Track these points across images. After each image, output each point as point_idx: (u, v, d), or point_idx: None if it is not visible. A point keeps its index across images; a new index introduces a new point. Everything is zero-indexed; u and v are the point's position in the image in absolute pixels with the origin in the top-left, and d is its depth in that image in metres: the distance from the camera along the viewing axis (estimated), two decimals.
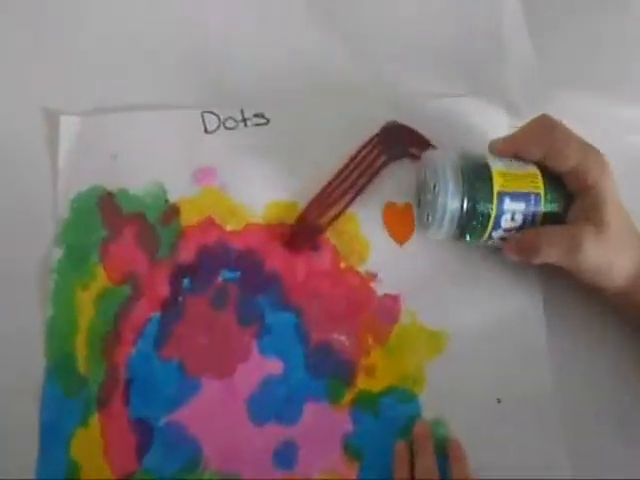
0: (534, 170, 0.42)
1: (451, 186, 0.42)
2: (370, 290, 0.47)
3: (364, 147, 0.50)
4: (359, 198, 0.49)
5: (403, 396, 0.46)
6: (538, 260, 0.42)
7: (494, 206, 0.41)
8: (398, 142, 0.50)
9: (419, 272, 0.48)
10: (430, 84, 0.52)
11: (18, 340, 0.46)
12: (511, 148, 0.43)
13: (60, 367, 0.45)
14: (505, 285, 0.48)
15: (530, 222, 0.42)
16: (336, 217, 0.48)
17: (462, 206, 0.42)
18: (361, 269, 0.48)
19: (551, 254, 0.41)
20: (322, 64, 0.53)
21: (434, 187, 0.43)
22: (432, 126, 0.51)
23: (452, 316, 0.47)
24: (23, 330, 0.46)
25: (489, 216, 0.42)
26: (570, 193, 0.42)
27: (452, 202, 0.42)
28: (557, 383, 0.46)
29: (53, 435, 0.44)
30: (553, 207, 0.42)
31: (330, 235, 0.48)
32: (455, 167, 0.42)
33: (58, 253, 0.48)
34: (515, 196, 0.41)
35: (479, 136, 0.48)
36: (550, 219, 0.42)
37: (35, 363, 0.45)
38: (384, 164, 0.50)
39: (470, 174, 0.42)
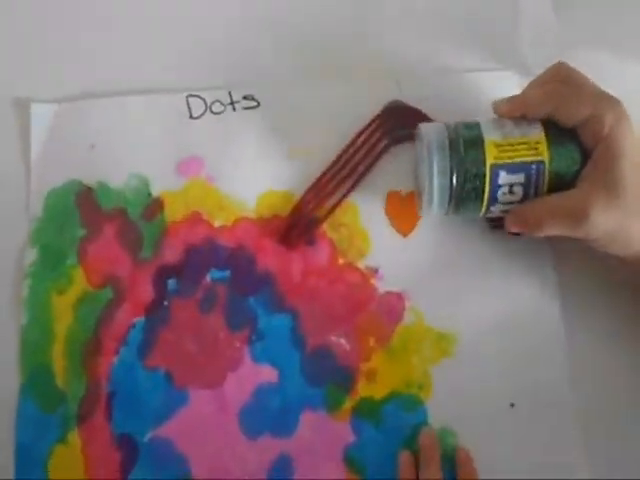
0: (538, 134, 0.39)
1: (437, 161, 0.39)
2: (371, 287, 0.45)
3: (364, 130, 0.47)
4: (359, 186, 0.46)
5: (408, 403, 0.43)
6: (542, 234, 0.39)
7: (487, 180, 0.39)
8: (401, 124, 0.47)
9: (424, 267, 0.45)
10: (439, 53, 0.49)
11: None
12: (518, 107, 0.40)
13: (36, 381, 0.43)
14: (518, 280, 0.45)
15: (533, 193, 0.39)
16: (334, 208, 0.46)
17: (451, 182, 0.39)
18: (361, 265, 0.45)
19: (555, 227, 0.39)
20: (316, 38, 0.49)
21: (424, 162, 0.41)
22: (438, 105, 0.47)
23: (461, 315, 0.44)
24: None
25: (482, 191, 0.39)
26: (586, 150, 0.39)
27: (439, 178, 0.39)
28: (575, 385, 0.43)
29: (29, 454, 0.42)
30: (561, 172, 0.39)
31: (327, 228, 0.46)
32: (443, 141, 0.40)
33: (32, 255, 0.45)
34: (512, 168, 0.39)
35: (490, 114, 0.44)
36: (559, 185, 0.39)
37: (8, 377, 0.43)
38: (386, 148, 0.47)
39: (460, 148, 0.39)
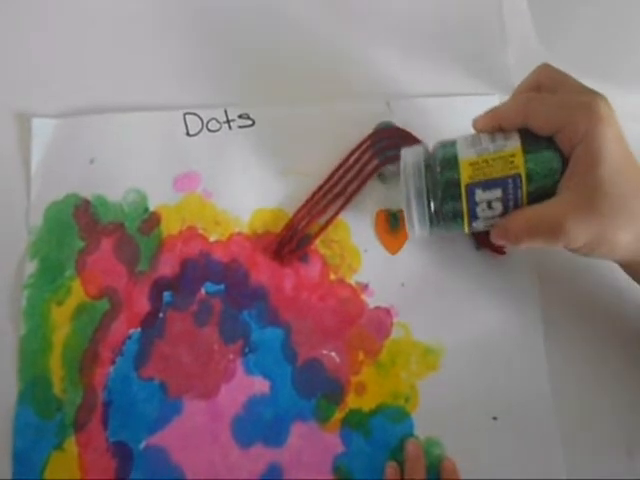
0: (514, 146, 0.38)
1: (413, 184, 0.40)
2: (361, 302, 0.46)
3: (355, 150, 0.48)
4: (350, 205, 0.47)
5: (395, 415, 0.44)
6: (524, 246, 0.39)
7: (464, 199, 0.39)
8: (391, 145, 0.48)
9: (412, 283, 0.46)
10: (428, 76, 0.51)
11: None
12: (493, 120, 0.40)
13: (34, 389, 0.43)
14: (502, 298, 0.46)
15: (513, 206, 0.39)
16: (326, 225, 0.47)
17: (429, 204, 0.40)
18: (352, 280, 0.46)
19: (533, 239, 0.38)
20: (309, 61, 0.51)
21: (403, 186, 0.41)
22: (427, 126, 0.49)
23: (447, 330, 0.45)
24: None
25: (461, 211, 0.39)
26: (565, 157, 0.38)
27: (417, 201, 0.40)
28: (555, 399, 0.44)
29: (27, 460, 0.42)
30: (540, 182, 0.38)
31: (319, 245, 0.46)
32: (419, 164, 0.40)
33: (31, 266, 0.45)
34: (488, 184, 0.38)
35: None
36: (540, 195, 0.38)
37: (7, 385, 0.43)
38: (376, 168, 0.48)
39: (436, 170, 0.40)
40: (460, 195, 0.39)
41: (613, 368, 0.45)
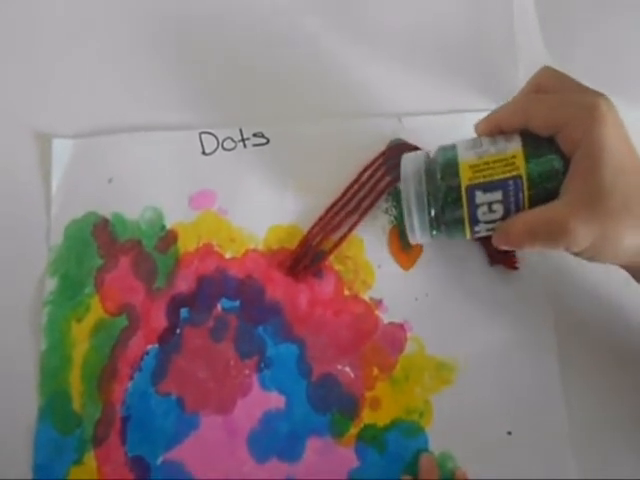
0: (515, 148, 0.38)
1: (414, 189, 0.40)
2: (375, 318, 0.46)
3: (368, 167, 0.49)
4: (363, 221, 0.47)
5: (410, 430, 0.44)
6: (526, 250, 0.39)
7: (464, 202, 0.39)
8: None
9: (426, 299, 0.46)
10: (439, 93, 0.51)
11: (10, 376, 0.45)
12: (493, 123, 0.40)
13: (54, 404, 0.44)
14: (516, 313, 0.46)
15: (514, 209, 0.38)
16: (340, 242, 0.47)
17: (429, 208, 0.40)
18: (366, 296, 0.46)
19: (535, 243, 0.37)
20: (323, 80, 0.51)
21: (404, 192, 0.41)
22: (439, 143, 0.48)
23: (460, 345, 0.45)
24: (15, 366, 0.45)
25: (462, 213, 0.39)
26: (567, 159, 0.38)
27: (417, 207, 0.40)
28: (570, 413, 0.44)
29: (47, 475, 0.42)
30: (542, 184, 0.38)
31: (333, 261, 0.47)
32: (419, 169, 0.41)
33: (51, 283, 0.46)
34: (488, 186, 0.38)
35: None
36: (543, 197, 0.38)
37: (28, 400, 0.44)
38: (389, 185, 0.48)
39: (436, 174, 0.40)
40: (460, 198, 0.39)
41: (628, 382, 0.45)
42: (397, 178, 0.48)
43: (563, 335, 0.45)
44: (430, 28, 0.53)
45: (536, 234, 0.37)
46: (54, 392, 0.44)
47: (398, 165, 0.48)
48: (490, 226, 0.40)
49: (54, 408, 0.44)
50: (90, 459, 0.43)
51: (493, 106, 0.50)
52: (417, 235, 0.41)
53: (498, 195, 0.38)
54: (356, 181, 0.48)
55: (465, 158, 0.39)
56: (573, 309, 0.46)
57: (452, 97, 0.51)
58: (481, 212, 0.39)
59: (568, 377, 0.45)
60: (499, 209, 0.38)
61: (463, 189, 0.39)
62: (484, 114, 0.49)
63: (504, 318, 0.46)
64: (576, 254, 0.38)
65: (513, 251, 0.46)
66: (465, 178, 0.39)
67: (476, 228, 0.40)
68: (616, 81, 0.49)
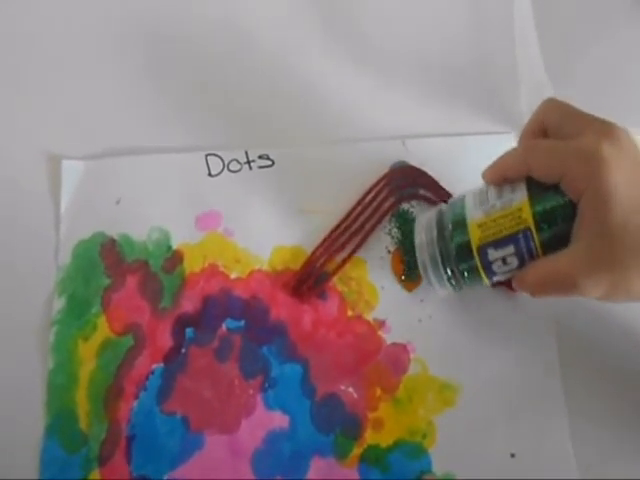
0: (521, 199, 0.38)
1: (427, 253, 0.42)
2: (378, 339, 0.46)
3: (372, 189, 0.49)
4: (367, 243, 0.48)
5: (413, 451, 0.44)
6: (544, 297, 0.39)
7: (478, 262, 0.40)
8: (407, 184, 0.49)
9: (429, 320, 0.47)
10: (443, 116, 0.52)
11: (17, 394, 0.45)
12: (498, 173, 0.40)
13: (60, 423, 0.44)
14: (519, 335, 0.46)
15: (528, 258, 0.38)
16: (343, 263, 0.47)
17: (445, 271, 0.41)
18: (369, 317, 0.47)
19: (549, 292, 0.38)
20: (327, 102, 0.52)
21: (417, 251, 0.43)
22: (442, 165, 0.50)
23: (464, 366, 0.46)
24: (23, 384, 0.45)
25: (477, 271, 0.40)
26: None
27: (433, 268, 0.42)
28: (573, 436, 0.44)
29: None
30: (551, 232, 0.37)
31: (337, 282, 0.47)
32: (431, 231, 0.42)
33: (59, 303, 0.46)
34: (499, 243, 0.39)
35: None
36: (555, 243, 0.37)
37: (34, 418, 0.44)
38: (392, 206, 0.49)
39: (447, 235, 0.41)
40: (473, 257, 0.40)
41: (632, 406, 0.45)
42: (400, 200, 0.49)
43: (566, 356, 0.46)
44: (432, 52, 0.54)
45: (547, 286, 0.38)
46: (60, 410, 0.44)
47: (401, 187, 0.49)
48: (508, 275, 0.40)
49: (60, 426, 0.44)
50: (96, 478, 0.43)
51: (495, 129, 0.51)
52: (438, 291, 0.43)
53: (510, 249, 0.38)
54: (360, 203, 0.49)
55: (473, 217, 0.40)
56: (576, 331, 0.46)
57: (454, 120, 0.52)
58: (496, 266, 0.39)
59: (571, 398, 0.45)
60: (513, 261, 0.39)
61: (475, 249, 0.39)
62: (485, 137, 0.51)
63: (507, 339, 0.46)
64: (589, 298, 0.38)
65: None
66: (475, 238, 0.39)
67: (494, 278, 0.41)
68: (616, 104, 0.50)
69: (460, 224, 0.40)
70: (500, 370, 0.46)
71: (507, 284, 0.46)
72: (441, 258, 0.41)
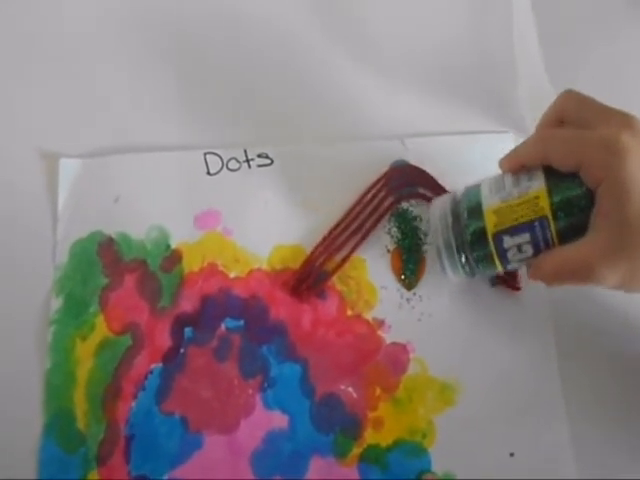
0: (538, 187, 0.38)
1: (441, 238, 0.41)
2: (378, 338, 0.46)
3: (371, 188, 0.49)
4: (366, 242, 0.48)
5: (412, 450, 0.44)
6: (559, 286, 0.39)
7: (492, 248, 0.39)
8: (406, 183, 0.49)
9: (428, 320, 0.47)
10: (442, 115, 0.52)
11: (15, 394, 0.45)
12: (515, 161, 0.40)
13: (58, 423, 0.44)
14: (518, 334, 0.46)
15: (544, 246, 0.38)
16: (343, 262, 0.47)
17: (459, 255, 0.41)
18: (368, 316, 0.47)
19: (566, 281, 0.38)
20: (325, 101, 0.52)
21: (433, 237, 0.43)
22: (441, 164, 0.50)
23: (463, 366, 0.46)
24: (20, 383, 0.45)
25: (492, 257, 0.40)
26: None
27: (447, 253, 0.41)
28: (573, 435, 0.44)
29: None
30: (568, 221, 0.37)
31: (336, 281, 0.47)
32: (446, 216, 0.41)
33: (57, 302, 0.46)
34: (515, 230, 0.38)
35: (490, 174, 0.46)
36: (571, 232, 0.37)
37: (32, 418, 0.44)
38: (392, 205, 0.49)
39: (462, 221, 0.40)
40: (489, 244, 0.39)
41: (631, 403, 0.45)
42: (399, 199, 0.49)
43: (565, 356, 0.46)
44: (432, 50, 0.54)
45: (564, 274, 0.37)
46: (58, 410, 0.44)
47: (400, 186, 0.49)
48: (522, 263, 0.40)
49: (58, 426, 0.44)
50: (94, 478, 0.43)
51: (494, 127, 0.51)
52: (451, 278, 0.42)
53: (526, 237, 0.38)
54: (359, 202, 0.49)
55: (489, 204, 0.39)
56: (575, 330, 0.46)
57: (454, 119, 0.52)
58: (511, 254, 0.39)
59: (571, 398, 0.45)
60: (528, 249, 0.39)
61: (490, 235, 0.39)
62: (484, 136, 0.51)
63: (507, 339, 0.46)
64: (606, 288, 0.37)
65: (515, 272, 0.46)
66: (491, 225, 0.39)
67: (508, 266, 0.40)
68: (616, 99, 0.50)
69: (476, 210, 0.40)
70: (500, 370, 0.45)
71: (507, 283, 0.46)
72: (456, 244, 0.41)
